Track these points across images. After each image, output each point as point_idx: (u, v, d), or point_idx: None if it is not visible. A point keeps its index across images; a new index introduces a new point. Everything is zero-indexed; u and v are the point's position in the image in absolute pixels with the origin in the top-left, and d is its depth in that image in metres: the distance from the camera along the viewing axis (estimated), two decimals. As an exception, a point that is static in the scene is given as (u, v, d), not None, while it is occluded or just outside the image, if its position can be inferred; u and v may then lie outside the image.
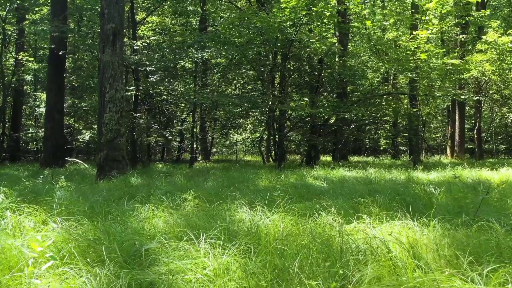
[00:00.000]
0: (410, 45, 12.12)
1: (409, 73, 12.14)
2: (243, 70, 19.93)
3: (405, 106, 15.00)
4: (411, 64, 12.41)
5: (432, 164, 14.86)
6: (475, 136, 22.81)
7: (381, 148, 35.24)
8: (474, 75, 14.86)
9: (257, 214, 4.17)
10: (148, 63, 15.77)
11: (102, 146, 8.57)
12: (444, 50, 12.76)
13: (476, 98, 15.18)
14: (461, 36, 15.83)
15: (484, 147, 27.42)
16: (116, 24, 8.60)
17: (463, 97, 12.28)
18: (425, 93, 12.50)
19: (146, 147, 18.28)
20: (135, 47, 14.55)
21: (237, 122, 25.21)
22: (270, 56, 17.19)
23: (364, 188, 7.12)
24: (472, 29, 19.64)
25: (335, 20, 13.44)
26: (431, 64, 12.08)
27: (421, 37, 11.82)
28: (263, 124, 22.93)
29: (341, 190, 6.71)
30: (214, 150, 31.81)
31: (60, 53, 14.35)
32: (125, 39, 15.89)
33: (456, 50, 13.09)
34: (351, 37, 21.54)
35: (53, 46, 14.84)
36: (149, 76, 15.38)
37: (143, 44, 14.47)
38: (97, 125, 9.47)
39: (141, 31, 20.23)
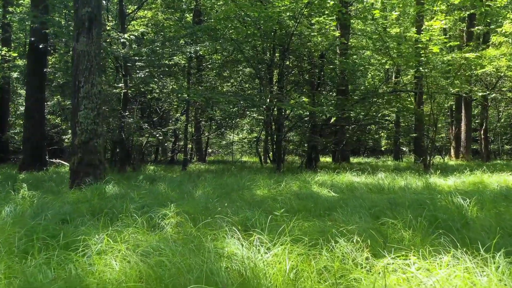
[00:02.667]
0: (422, 37, 11.06)
1: (421, 68, 11.08)
2: (240, 68, 18.85)
3: (413, 104, 13.94)
4: (423, 58, 11.35)
5: (441, 166, 13.82)
6: (482, 136, 21.78)
7: (382, 149, 34.24)
8: (487, 71, 13.83)
9: (254, 245, 3.07)
10: (137, 58, 14.64)
11: (76, 149, 7.46)
12: (458, 43, 11.73)
13: (493, 95, 14.12)
14: (476, 28, 14.77)
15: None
16: (92, 8, 7.49)
17: (480, 94, 11.26)
18: (436, 90, 11.46)
19: (138, 148, 17.14)
20: (121, 40, 13.40)
21: (233, 121, 24.13)
22: (268, 54, 16.11)
23: (379, 198, 6.04)
24: (477, 23, 18.66)
25: (337, 10, 12.35)
26: (445, 58, 11.04)
27: (434, 28, 10.76)
28: (261, 123, 21.88)
29: (355, 202, 5.63)
30: (210, 150, 30.74)
31: (40, 46, 13.20)
32: (113, 33, 14.77)
33: (471, 44, 12.06)
34: (353, 32, 20.49)
35: (33, 39, 13.70)
36: (137, 71, 14.26)
37: (131, 36, 13.33)
38: (71, 124, 8.35)
39: (132, 26, 19.10)
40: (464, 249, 3.02)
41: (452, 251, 2.94)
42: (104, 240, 3.07)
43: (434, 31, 10.79)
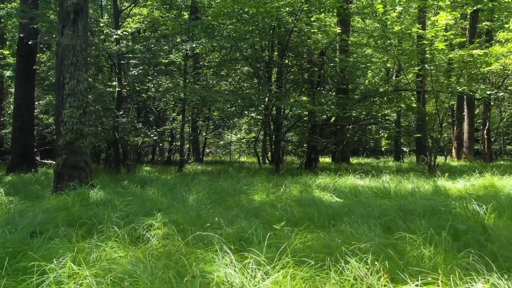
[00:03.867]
0: (427, 33, 10.57)
1: (426, 65, 10.59)
2: (238, 66, 18.34)
3: (418, 103, 13.43)
4: (427, 55, 10.86)
5: (444, 167, 13.33)
6: (485, 136, 21.30)
7: (382, 149, 33.71)
8: (493, 69, 13.36)
9: (249, 268, 2.58)
10: (131, 55, 14.12)
11: (60, 150, 6.94)
12: (465, 39, 11.24)
13: (501, 94, 13.64)
14: (483, 24, 14.25)
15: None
16: (78, -1, 6.98)
17: (488, 92, 10.78)
18: (441, 88, 10.97)
19: (134, 149, 16.61)
20: (114, 36, 12.86)
21: (231, 121, 23.62)
22: (267, 52, 15.61)
23: (387, 204, 5.55)
24: (481, 20, 18.18)
25: (338, 6, 11.86)
26: (450, 55, 10.55)
27: (440, 24, 10.28)
28: (259, 123, 21.37)
29: (361, 209, 5.14)
30: (208, 150, 30.23)
31: (30, 42, 12.67)
32: (107, 29, 14.23)
33: (477, 40, 11.58)
34: (353, 30, 19.98)
35: (22, 35, 13.16)
36: (131, 69, 13.74)
37: (124, 33, 12.81)
38: (55, 124, 7.84)
39: (128, 23, 18.55)
40: (501, 273, 2.54)
41: (487, 277, 2.45)
42: (67, 264, 2.55)
43: (440, 27, 10.30)
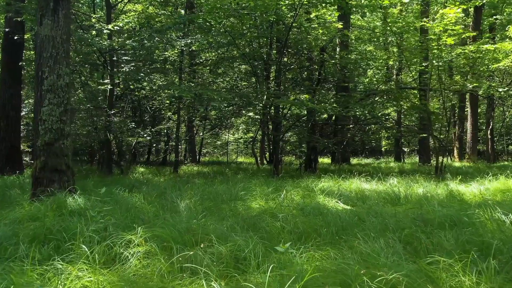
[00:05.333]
0: (435, 27, 9.98)
1: (434, 61, 10.00)
2: (235, 65, 17.74)
3: (420, 101, 12.85)
4: (435, 51, 10.27)
5: (449, 169, 12.74)
6: (489, 136, 20.73)
7: (382, 149, 33.10)
8: (500, 66, 12.78)
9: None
10: (123, 51, 13.48)
11: (39, 152, 6.31)
12: (476, 33, 10.66)
13: (512, 92, 13.07)
14: (493, 18, 13.67)
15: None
16: (59, -14, 6.35)
17: (500, 90, 10.21)
18: (449, 86, 10.38)
19: (128, 149, 15.95)
20: (105, 31, 12.21)
21: (228, 121, 22.98)
22: (265, 48, 15.00)
23: (401, 213, 4.95)
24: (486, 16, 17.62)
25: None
26: (459, 50, 9.97)
27: (449, 17, 9.69)
28: (257, 123, 20.74)
29: (373, 219, 4.54)
30: (205, 151, 29.61)
31: (16, 37, 12.01)
32: (97, 24, 13.56)
33: (486, 35, 11.00)
34: (353, 27, 19.39)
35: (7, 29, 12.50)
36: (122, 65, 13.09)
37: (115, 27, 12.16)
38: (33, 122, 7.20)
39: (122, 20, 17.87)
40: None
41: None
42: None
43: (449, 20, 9.72)
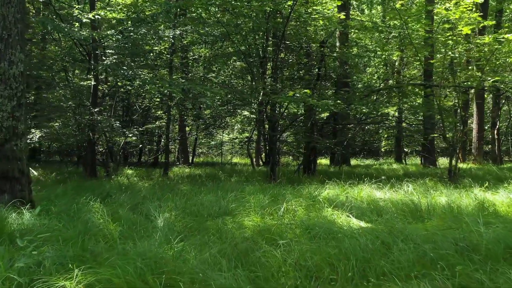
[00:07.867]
0: (450, 15, 8.95)
1: (450, 52, 8.97)
2: (229, 62, 16.67)
3: (438, 97, 11.81)
4: (450, 42, 9.24)
5: (462, 173, 11.73)
6: (495, 136, 19.76)
7: (382, 149, 32.05)
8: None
9: None
10: (107, 44, 12.37)
11: (-14, 155, 5.23)
12: (494, 22, 9.66)
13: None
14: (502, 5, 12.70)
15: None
16: (11, -45, 5.26)
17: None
18: (466, 80, 9.37)
19: (116, 149, 14.81)
20: (84, 20, 11.06)
21: (222, 121, 21.89)
22: (260, 41, 13.92)
23: (437, 234, 3.88)
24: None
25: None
26: (478, 41, 8.97)
27: (466, 3, 8.67)
28: (253, 123, 19.67)
29: (401, 244, 3.47)
30: (200, 151, 28.51)
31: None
32: (78, 14, 12.41)
33: (506, 25, 10.03)
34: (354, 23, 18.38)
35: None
36: (104, 58, 11.96)
37: (96, 16, 11.03)
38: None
39: (105, 9, 16.74)
40: None
41: None
42: None
43: (465, 6, 8.70)
